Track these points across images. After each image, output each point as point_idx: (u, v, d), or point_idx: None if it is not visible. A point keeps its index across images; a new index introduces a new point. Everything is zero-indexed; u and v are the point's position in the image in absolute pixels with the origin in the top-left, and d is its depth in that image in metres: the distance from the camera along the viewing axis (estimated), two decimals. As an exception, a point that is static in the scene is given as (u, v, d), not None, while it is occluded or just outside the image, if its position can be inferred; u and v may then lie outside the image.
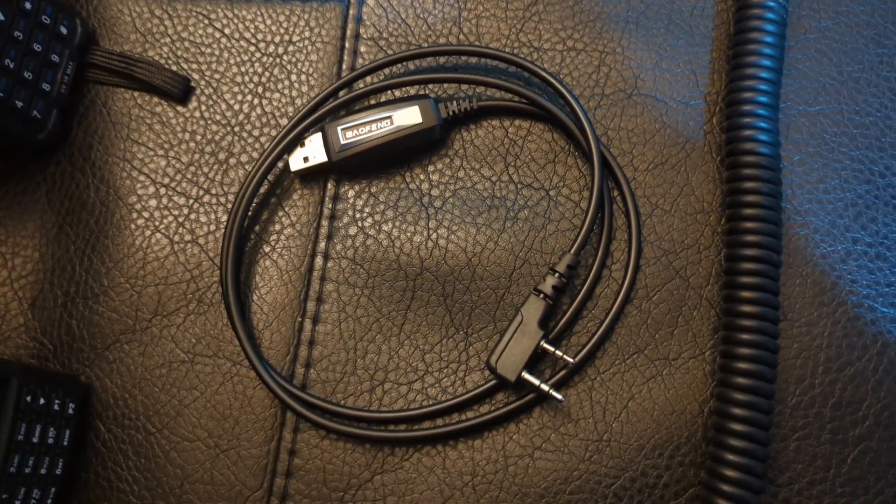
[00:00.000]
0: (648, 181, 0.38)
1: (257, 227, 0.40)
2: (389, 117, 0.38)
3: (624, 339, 0.36)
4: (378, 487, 0.35)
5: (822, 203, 0.36)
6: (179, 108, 0.41)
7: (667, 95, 0.39)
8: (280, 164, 0.40)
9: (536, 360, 0.36)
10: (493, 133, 0.39)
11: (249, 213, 0.39)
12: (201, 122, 0.41)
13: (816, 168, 0.37)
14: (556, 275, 0.35)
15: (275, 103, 0.41)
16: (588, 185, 0.38)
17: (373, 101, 0.40)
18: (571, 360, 0.34)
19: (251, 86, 0.41)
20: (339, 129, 0.38)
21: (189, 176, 0.40)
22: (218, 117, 0.41)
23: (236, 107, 0.41)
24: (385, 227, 0.39)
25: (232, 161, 0.40)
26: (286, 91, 0.41)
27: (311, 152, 0.39)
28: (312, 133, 0.39)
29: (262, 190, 0.40)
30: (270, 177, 0.40)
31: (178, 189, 0.40)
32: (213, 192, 0.40)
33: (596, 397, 0.35)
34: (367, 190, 0.39)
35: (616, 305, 0.36)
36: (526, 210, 0.38)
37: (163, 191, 0.40)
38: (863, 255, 0.36)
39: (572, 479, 0.35)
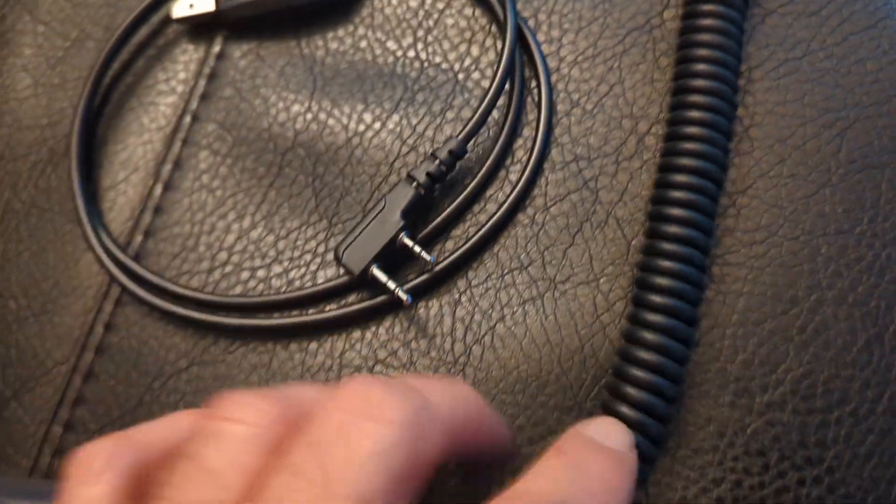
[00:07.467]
0: (574, 74, 0.31)
1: (129, 79, 0.35)
2: (291, -34, 0.33)
3: (507, 252, 0.30)
4: (192, 379, 0.30)
5: (780, 118, 0.29)
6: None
7: (614, -21, 0.32)
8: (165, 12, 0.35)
9: (400, 260, 0.30)
10: (407, 2, 0.34)
11: (123, 61, 0.35)
12: (99, -39, 0.36)
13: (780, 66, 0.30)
14: (435, 161, 0.29)
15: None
16: (503, 72, 0.32)
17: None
18: (430, 259, 0.28)
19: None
20: (231, -26, 0.33)
21: (70, 14, 0.36)
22: (118, -43, 0.36)
23: (138, -52, 0.36)
24: (263, 91, 0.33)
25: (122, 4, 0.36)
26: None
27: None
28: (204, -22, 0.34)
29: (142, 39, 0.35)
30: (155, 25, 0.35)
31: (59, 30, 0.36)
32: (96, 36, 0.35)
33: (460, 313, 0.29)
34: (254, 52, 0.34)
35: (504, 208, 0.29)
36: (427, 91, 0.32)
37: (41, 28, 0.36)
38: (823, 185, 0.28)
39: (413, 403, 0.29)
